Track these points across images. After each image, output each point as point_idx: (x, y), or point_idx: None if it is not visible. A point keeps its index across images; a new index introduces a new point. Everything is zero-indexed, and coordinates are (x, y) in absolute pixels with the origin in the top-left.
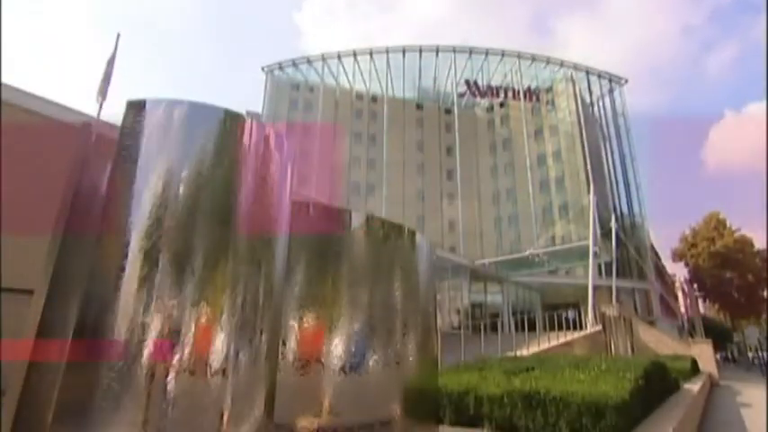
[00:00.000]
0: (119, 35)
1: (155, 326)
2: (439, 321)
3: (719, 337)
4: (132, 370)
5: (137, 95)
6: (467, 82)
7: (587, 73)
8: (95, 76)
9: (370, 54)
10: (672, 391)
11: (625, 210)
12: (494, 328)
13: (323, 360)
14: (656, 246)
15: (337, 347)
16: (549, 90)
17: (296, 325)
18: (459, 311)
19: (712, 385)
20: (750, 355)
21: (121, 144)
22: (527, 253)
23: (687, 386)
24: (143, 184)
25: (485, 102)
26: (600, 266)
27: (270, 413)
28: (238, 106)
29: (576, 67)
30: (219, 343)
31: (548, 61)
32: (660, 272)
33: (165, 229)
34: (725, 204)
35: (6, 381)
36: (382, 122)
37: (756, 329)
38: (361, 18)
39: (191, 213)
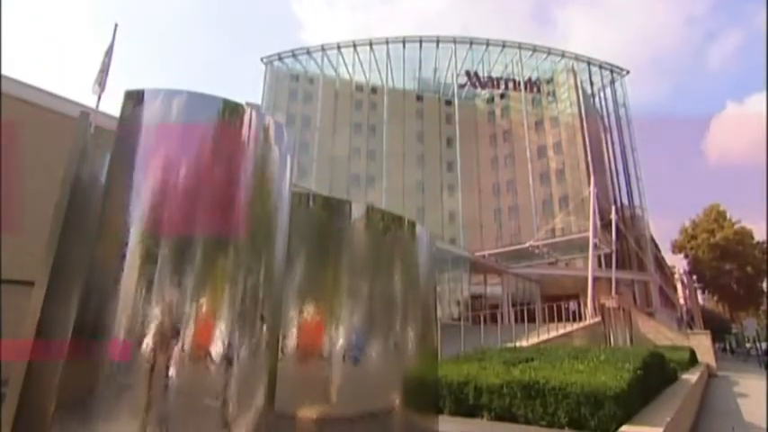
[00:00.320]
0: (116, 25)
1: (155, 317)
2: (439, 312)
3: (718, 328)
4: (133, 361)
5: (135, 87)
6: (467, 73)
7: (588, 64)
8: (93, 68)
9: (370, 45)
10: (670, 381)
11: (625, 201)
12: (493, 320)
13: (323, 351)
14: (655, 237)
15: (338, 338)
16: (550, 81)
17: (296, 316)
18: (459, 303)
19: (710, 376)
20: (748, 346)
21: (120, 135)
22: (527, 244)
23: (685, 376)
24: (142, 175)
25: (485, 93)
26: (600, 258)
27: (271, 403)
28: (237, 97)
29: (577, 58)
30: (220, 334)
31: (549, 52)
32: (660, 263)
33: (165, 220)
34: (725, 196)
35: (8, 371)
36: (382, 114)
37: (755, 321)
38: (361, 8)
39: (190, 205)
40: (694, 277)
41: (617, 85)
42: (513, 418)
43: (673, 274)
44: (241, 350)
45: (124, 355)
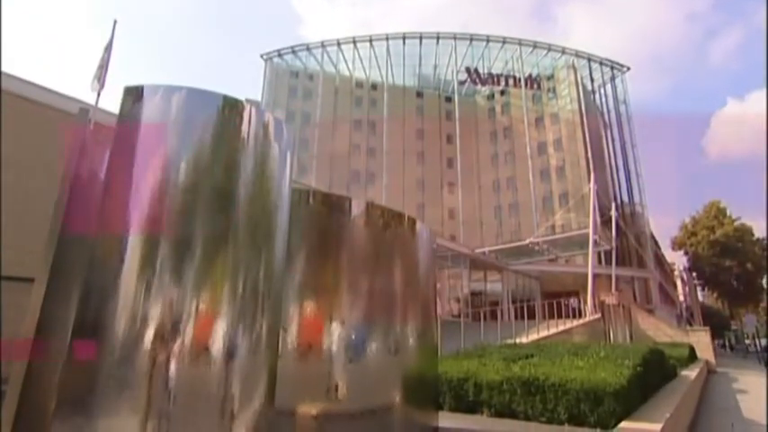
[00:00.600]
0: (115, 21)
1: (155, 314)
2: (439, 309)
3: (717, 325)
4: (134, 358)
5: (134, 84)
6: (467, 69)
7: (589, 60)
8: (92, 66)
9: (370, 41)
10: (669, 377)
11: (625, 198)
12: (493, 316)
13: (323, 347)
14: (655, 234)
15: (338, 335)
16: (551, 78)
17: (296, 312)
18: (458, 299)
19: (709, 372)
20: (747, 342)
21: (119, 131)
22: (527, 241)
23: (684, 373)
24: (141, 172)
25: (485, 89)
26: (600, 255)
27: (271, 399)
28: (237, 94)
29: (577, 55)
30: (220, 331)
31: (549, 48)
32: (659, 260)
33: (165, 217)
34: (725, 193)
35: (8, 369)
36: (382, 110)
37: (754, 317)
38: (361, 5)
39: (190, 201)
40: (694, 274)
41: (617, 81)
42: (512, 415)
43: (672, 270)
44: (241, 347)
45: (124, 353)
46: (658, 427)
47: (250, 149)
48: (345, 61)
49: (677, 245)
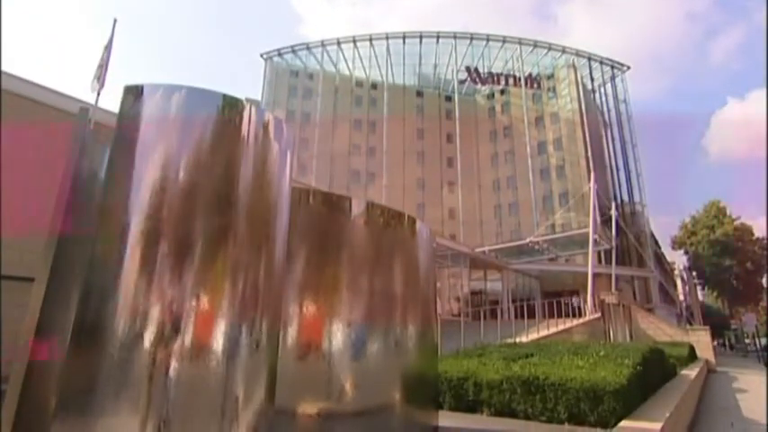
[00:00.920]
0: (115, 21)
1: (155, 313)
2: (439, 308)
3: (717, 324)
4: (134, 357)
5: (134, 83)
6: (467, 69)
7: (589, 59)
8: (92, 67)
9: (370, 40)
10: (669, 377)
11: (625, 197)
12: (493, 316)
13: (323, 346)
14: (655, 233)
15: (338, 334)
16: (551, 77)
17: (297, 312)
18: (458, 299)
19: (709, 371)
20: (747, 342)
21: (119, 130)
22: (527, 240)
23: (684, 372)
24: (142, 171)
25: (485, 89)
26: (600, 254)
27: (271, 399)
28: (237, 93)
29: (577, 54)
30: (220, 330)
31: (549, 48)
32: (659, 259)
33: (165, 216)
34: (725, 192)
35: (9, 368)
36: (382, 109)
37: (754, 317)
38: (361, 4)
39: (190, 200)
40: (694, 273)
41: (617, 80)
42: (512, 414)
43: (672, 270)
44: (241, 346)
45: (124, 353)
46: (658, 426)
47: (250, 149)
48: (345, 60)
49: (677, 244)
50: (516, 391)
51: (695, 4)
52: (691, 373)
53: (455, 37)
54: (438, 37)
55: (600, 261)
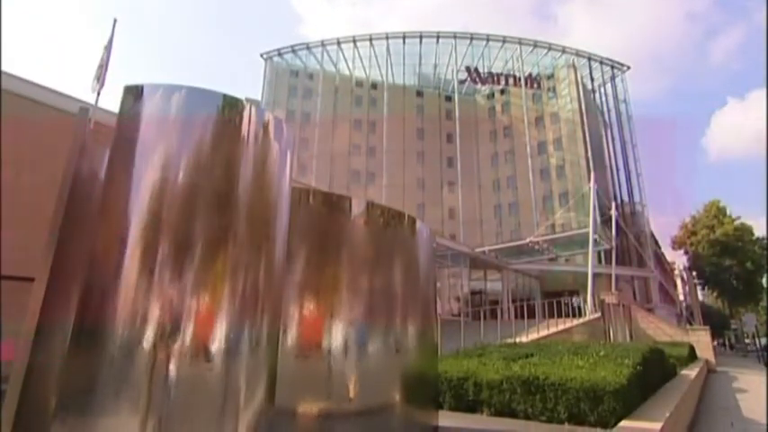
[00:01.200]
0: (115, 20)
1: (155, 313)
2: (439, 308)
3: (717, 324)
4: (134, 357)
5: (134, 83)
6: (467, 69)
7: (589, 59)
8: (92, 67)
9: (370, 40)
10: (669, 376)
11: (625, 197)
12: (493, 315)
13: (323, 346)
14: (655, 233)
15: (338, 334)
16: (551, 77)
17: (297, 311)
18: (458, 299)
19: (709, 371)
20: (747, 342)
21: (119, 130)
22: (527, 240)
23: (684, 372)
24: (142, 171)
25: (485, 89)
26: (600, 254)
27: (271, 399)
28: (237, 93)
29: (577, 54)
30: (220, 330)
31: (549, 48)
32: (659, 259)
33: (165, 216)
34: (725, 192)
35: (9, 368)
36: (382, 109)
37: (754, 317)
38: (361, 4)
39: (190, 200)
40: (694, 273)
41: (617, 80)
42: (512, 414)
43: (672, 270)
44: (241, 346)
45: (124, 353)
46: (658, 426)
47: (250, 149)
48: (345, 60)
49: (677, 244)
50: (516, 391)
51: (695, 4)
52: (691, 372)
53: (455, 37)
54: (438, 37)
55: (600, 261)
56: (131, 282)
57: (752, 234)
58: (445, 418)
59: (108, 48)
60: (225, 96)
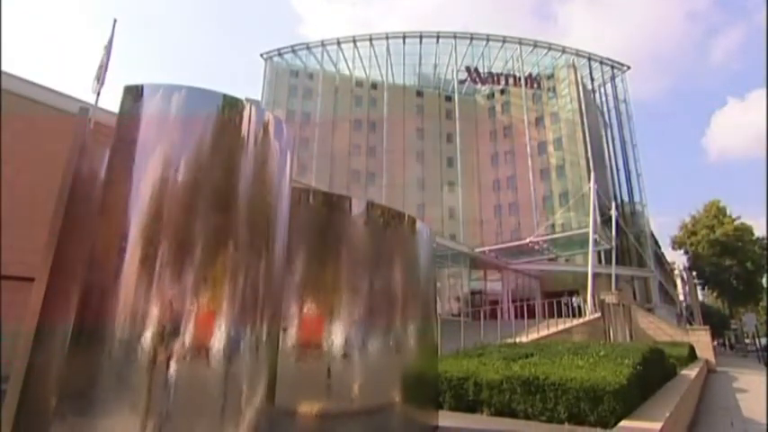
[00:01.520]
0: (115, 21)
1: (155, 313)
2: (439, 308)
3: (717, 324)
4: (134, 357)
5: (134, 83)
6: (467, 69)
7: (589, 59)
8: (92, 67)
9: (370, 40)
10: (669, 376)
11: (625, 197)
12: (493, 315)
13: (323, 347)
14: (655, 233)
15: (338, 334)
16: (551, 77)
17: (297, 311)
18: (458, 298)
19: (709, 371)
20: (747, 341)
21: (119, 130)
22: (527, 240)
23: (684, 372)
24: (142, 171)
25: (485, 89)
26: (600, 254)
27: (271, 398)
28: (237, 93)
29: (577, 54)
30: (220, 330)
31: (549, 48)
32: (659, 259)
33: (165, 216)
34: (725, 192)
35: (9, 368)
36: (382, 109)
37: (754, 316)
38: (361, 4)
39: (190, 200)
40: (694, 273)
41: (617, 80)
42: (512, 414)
43: (672, 269)
44: (241, 346)
45: (124, 352)
46: (658, 425)
47: (250, 149)
48: (345, 60)
49: (677, 244)
50: (516, 390)
51: (695, 4)
52: (691, 372)
53: (455, 37)
54: (438, 37)
55: (600, 261)
56: (131, 282)
57: (752, 234)
58: (445, 418)
59: (108, 48)
60: (225, 96)
